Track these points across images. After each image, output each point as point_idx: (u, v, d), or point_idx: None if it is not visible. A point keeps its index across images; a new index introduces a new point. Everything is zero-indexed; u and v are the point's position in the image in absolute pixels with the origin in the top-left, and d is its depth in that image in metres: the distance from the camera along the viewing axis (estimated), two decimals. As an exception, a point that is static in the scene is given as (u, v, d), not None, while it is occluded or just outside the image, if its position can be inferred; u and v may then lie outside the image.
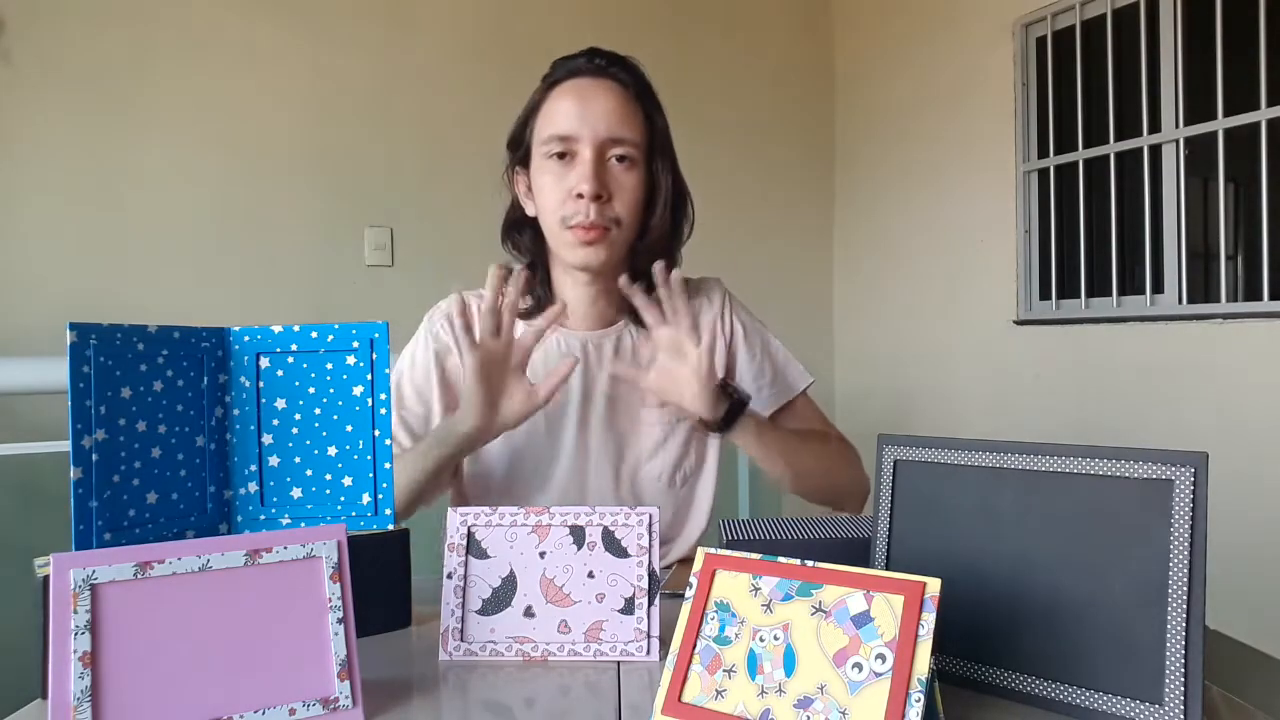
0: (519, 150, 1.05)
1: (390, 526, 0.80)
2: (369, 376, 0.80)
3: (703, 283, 1.16)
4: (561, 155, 0.99)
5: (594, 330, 1.09)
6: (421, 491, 0.98)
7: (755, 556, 0.60)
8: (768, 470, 1.05)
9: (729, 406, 0.96)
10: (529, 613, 0.74)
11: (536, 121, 1.02)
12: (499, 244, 1.12)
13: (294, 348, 0.80)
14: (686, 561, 1.01)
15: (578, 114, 0.98)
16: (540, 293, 1.07)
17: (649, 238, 1.05)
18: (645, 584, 0.74)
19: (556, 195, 0.99)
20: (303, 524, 0.79)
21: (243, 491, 0.80)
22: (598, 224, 0.98)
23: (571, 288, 1.07)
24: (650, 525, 0.75)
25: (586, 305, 1.08)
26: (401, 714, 0.63)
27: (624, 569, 0.74)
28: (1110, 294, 2.67)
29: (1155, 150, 2.53)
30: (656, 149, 1.04)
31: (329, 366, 0.80)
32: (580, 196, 0.97)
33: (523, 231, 1.08)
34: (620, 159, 0.99)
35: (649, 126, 1.03)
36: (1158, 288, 2.54)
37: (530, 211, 1.06)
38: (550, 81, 1.02)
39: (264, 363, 0.80)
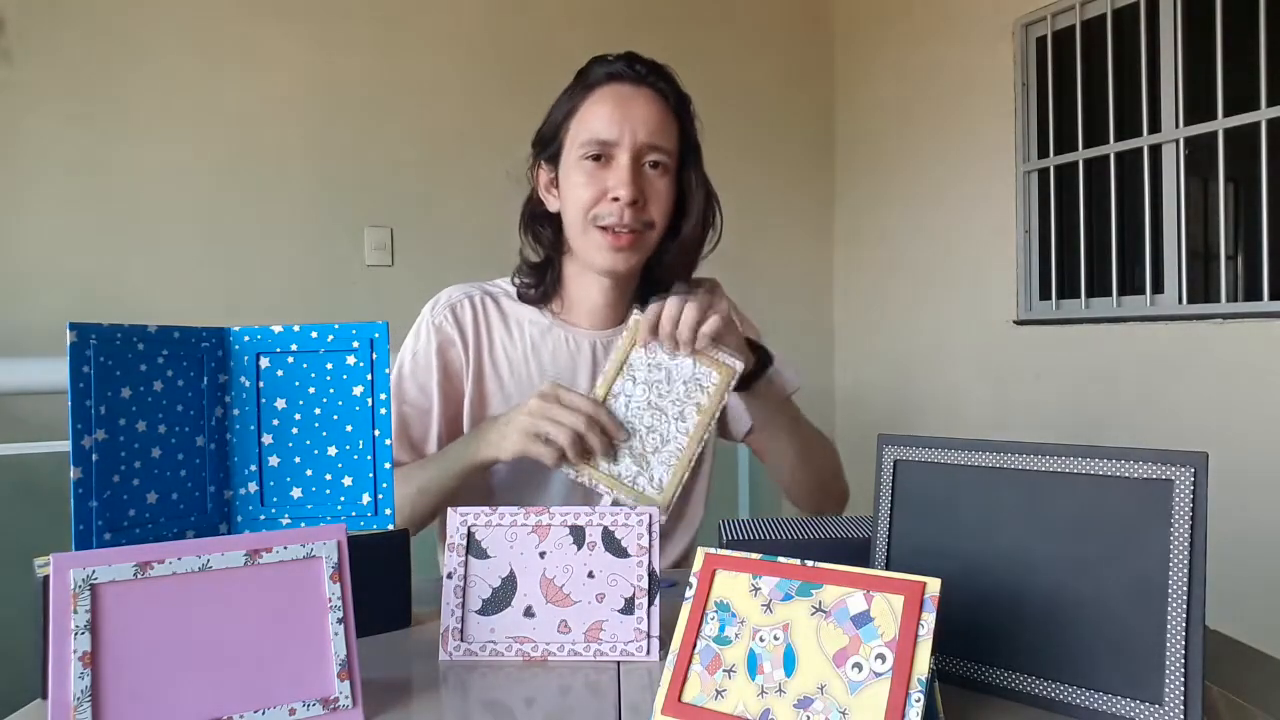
0: (549, 148, 1.06)
1: (390, 526, 0.80)
2: (369, 376, 0.80)
3: (702, 283, 1.17)
4: (597, 158, 1.00)
5: (603, 330, 1.10)
6: (424, 515, 1.00)
7: (755, 556, 0.60)
8: (770, 443, 1.09)
9: (758, 359, 0.97)
10: (529, 613, 0.74)
11: (573, 123, 1.03)
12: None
13: (294, 348, 0.80)
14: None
15: (618, 120, 0.99)
16: (550, 286, 1.09)
17: (678, 245, 1.07)
18: (645, 584, 0.74)
19: (589, 195, 1.00)
20: (303, 524, 0.79)
21: (243, 491, 0.80)
22: (632, 228, 1.00)
23: (586, 287, 1.08)
24: (650, 525, 0.75)
25: (599, 305, 1.09)
26: (401, 714, 0.63)
27: (624, 569, 0.74)
28: (1110, 294, 2.67)
29: (1155, 150, 2.53)
30: (689, 159, 1.05)
31: (329, 366, 0.80)
32: (616, 200, 0.98)
33: (544, 225, 1.09)
34: (654, 165, 1.01)
35: (682, 136, 1.04)
36: (1158, 288, 2.54)
37: (552, 207, 1.07)
38: (589, 84, 1.03)
39: (264, 363, 0.80)
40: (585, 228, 1.01)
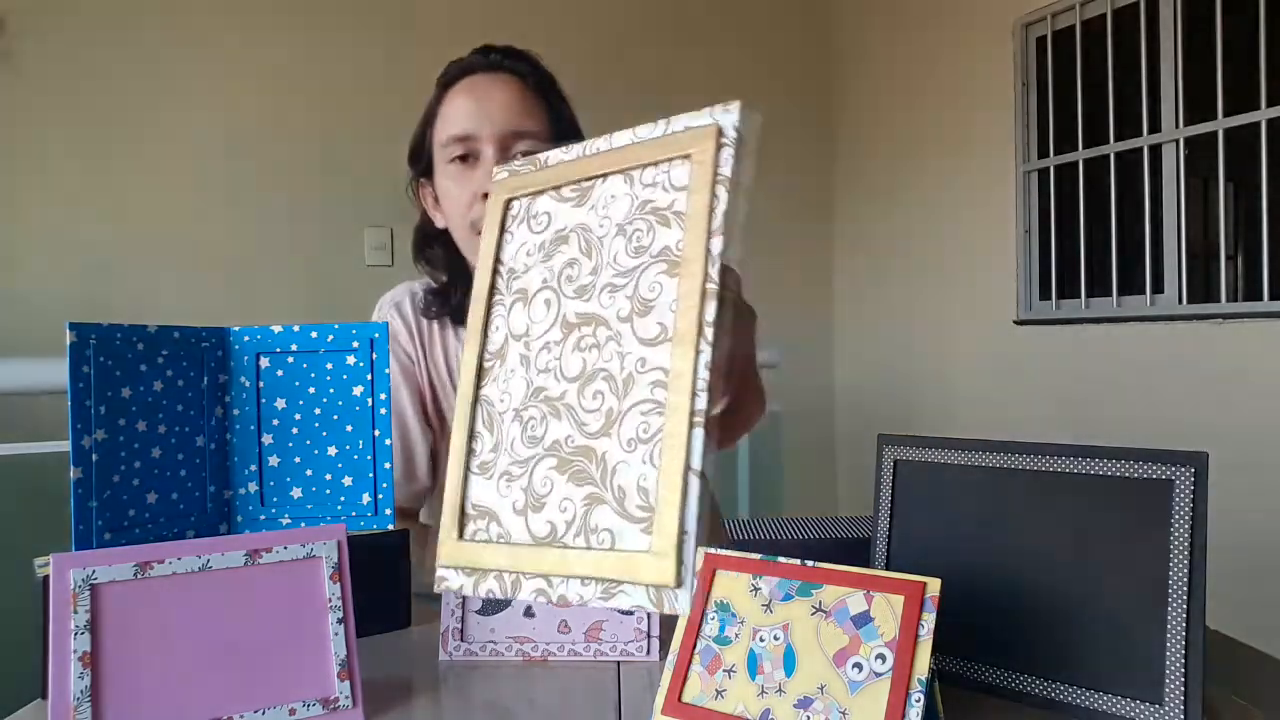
0: (420, 161, 1.00)
1: (390, 526, 0.80)
2: (369, 376, 0.80)
3: None
4: (464, 158, 0.94)
5: None
6: None
7: (755, 556, 0.60)
8: None
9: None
10: (529, 613, 0.74)
11: (434, 127, 0.97)
12: None
13: (294, 348, 0.80)
14: None
15: (475, 111, 0.93)
16: (459, 304, 1.00)
17: None
18: (645, 584, 0.73)
19: (463, 199, 0.94)
20: (303, 524, 0.79)
21: (243, 491, 0.80)
22: None
23: None
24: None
25: None
26: (401, 714, 0.63)
27: (624, 569, 0.74)
28: (1110, 294, 2.67)
29: (1155, 150, 2.53)
30: (563, 139, 0.99)
31: (329, 366, 0.80)
32: (486, 197, 0.92)
33: (434, 245, 1.03)
34: (526, 154, 0.93)
35: (553, 116, 0.97)
36: (1158, 288, 2.54)
37: (440, 224, 1.01)
38: (444, 83, 0.97)
39: (264, 363, 0.80)
40: (469, 235, 0.94)
